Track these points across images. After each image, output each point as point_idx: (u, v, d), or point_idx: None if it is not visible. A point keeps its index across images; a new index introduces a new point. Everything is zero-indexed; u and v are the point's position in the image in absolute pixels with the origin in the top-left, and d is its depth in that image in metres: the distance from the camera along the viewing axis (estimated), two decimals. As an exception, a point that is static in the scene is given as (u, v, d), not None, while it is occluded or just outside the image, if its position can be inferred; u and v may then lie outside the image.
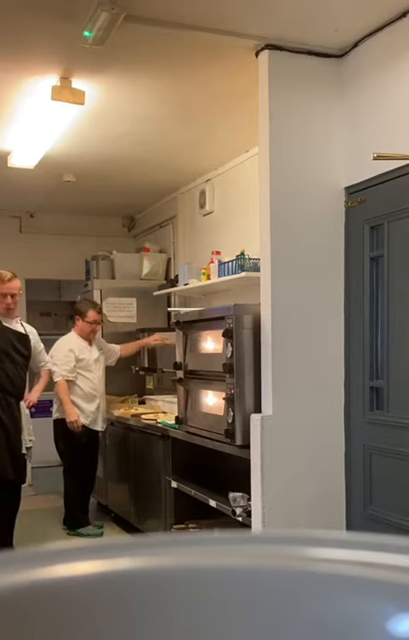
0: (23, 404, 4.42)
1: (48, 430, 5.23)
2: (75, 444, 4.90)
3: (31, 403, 4.55)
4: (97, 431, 5.05)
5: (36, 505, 5.75)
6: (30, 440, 4.51)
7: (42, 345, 4.68)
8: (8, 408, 4.25)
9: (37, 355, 4.60)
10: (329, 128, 3.23)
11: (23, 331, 4.45)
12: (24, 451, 4.37)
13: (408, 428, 2.86)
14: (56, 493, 5.12)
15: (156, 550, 0.49)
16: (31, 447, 4.53)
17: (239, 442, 3.27)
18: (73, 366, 4.90)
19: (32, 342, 4.49)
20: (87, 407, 4.94)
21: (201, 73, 3.51)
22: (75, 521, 4.98)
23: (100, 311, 5.12)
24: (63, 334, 5.27)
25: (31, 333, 4.55)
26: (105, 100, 3.83)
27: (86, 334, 5.02)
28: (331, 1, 2.80)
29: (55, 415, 4.98)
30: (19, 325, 4.48)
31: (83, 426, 4.91)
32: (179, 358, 3.99)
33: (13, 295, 4.32)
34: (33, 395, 4.64)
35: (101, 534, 4.93)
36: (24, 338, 4.41)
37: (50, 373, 4.79)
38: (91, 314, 5.00)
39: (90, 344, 5.07)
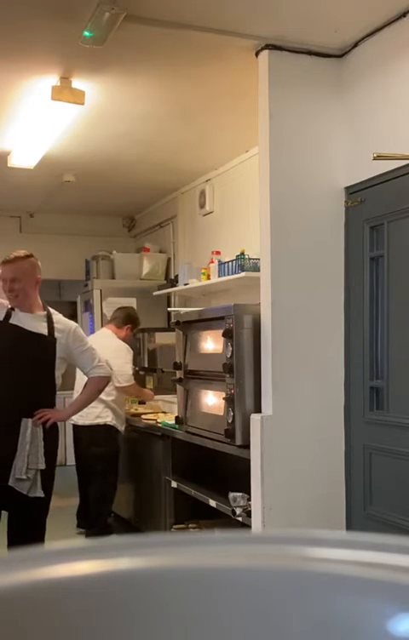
0: (28, 423, 3.39)
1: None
2: (116, 450, 4.77)
3: (49, 421, 3.43)
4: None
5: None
6: (30, 469, 3.44)
7: (85, 345, 3.60)
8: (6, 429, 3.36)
9: (75, 358, 3.58)
10: (329, 128, 3.23)
11: (42, 329, 3.45)
12: (10, 483, 3.40)
13: (408, 428, 2.86)
14: (56, 493, 5.10)
15: (156, 550, 0.49)
16: (24, 479, 3.42)
17: (239, 442, 3.27)
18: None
19: (60, 343, 3.48)
20: (122, 413, 4.86)
21: (201, 73, 3.51)
22: (105, 528, 4.75)
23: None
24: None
25: (62, 331, 3.50)
26: (105, 99, 3.83)
27: (126, 342, 5.04)
28: (331, 1, 2.80)
29: (96, 421, 4.71)
30: (39, 321, 3.46)
31: (121, 433, 4.83)
32: (179, 358, 3.99)
33: (12, 280, 3.39)
34: (63, 412, 3.66)
35: None
36: (36, 338, 3.43)
37: (102, 381, 3.72)
38: (136, 329, 5.14)
39: None
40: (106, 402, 4.74)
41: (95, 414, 4.74)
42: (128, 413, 5.12)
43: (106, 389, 4.57)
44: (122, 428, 4.83)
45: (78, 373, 4.81)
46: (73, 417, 4.32)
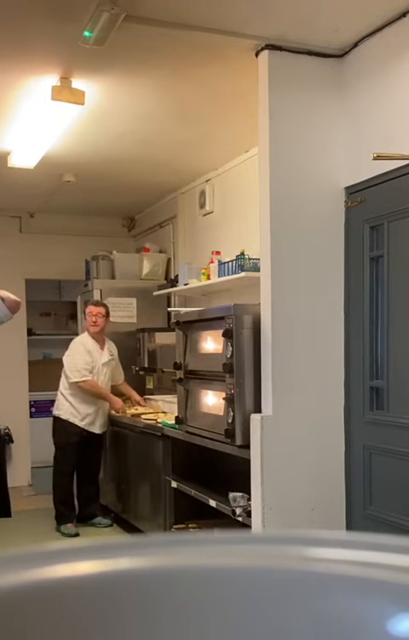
0: None
1: (48, 429, 5.25)
2: (66, 441, 5.06)
3: None
4: (94, 434, 5.14)
5: (35, 505, 5.75)
6: None
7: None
8: None
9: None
10: (329, 128, 3.23)
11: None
12: None
13: (408, 428, 2.86)
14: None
15: (156, 550, 0.49)
16: None
17: (239, 442, 3.27)
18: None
19: None
20: (84, 408, 5.07)
21: (201, 73, 3.51)
22: (57, 515, 5.11)
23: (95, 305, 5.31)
24: (64, 334, 5.38)
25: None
26: (105, 100, 3.83)
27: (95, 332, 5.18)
28: (331, 1, 2.80)
29: (54, 412, 5.17)
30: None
31: (78, 427, 5.05)
32: (179, 358, 3.99)
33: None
34: None
35: (75, 535, 4.94)
36: None
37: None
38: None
39: (101, 347, 5.19)
40: (64, 396, 5.11)
41: (56, 406, 5.18)
42: (110, 412, 5.22)
43: (64, 383, 5.15)
44: (82, 423, 5.05)
45: (63, 373, 5.01)
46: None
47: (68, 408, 5.05)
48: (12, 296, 3.65)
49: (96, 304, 5.27)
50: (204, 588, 0.45)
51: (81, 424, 5.05)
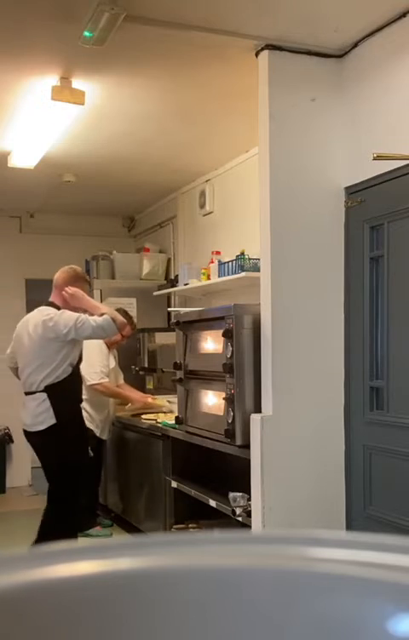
0: None
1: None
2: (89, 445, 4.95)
3: None
4: (103, 440, 5.07)
5: (36, 505, 5.75)
6: None
7: None
8: None
9: None
10: (329, 128, 3.23)
11: None
12: None
13: (408, 428, 2.86)
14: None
15: (156, 550, 0.49)
16: None
17: (239, 442, 3.27)
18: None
19: None
20: (97, 415, 4.96)
21: (201, 73, 3.51)
22: (84, 522, 4.93)
23: (134, 328, 5.17)
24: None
25: None
26: (105, 99, 3.83)
27: (111, 342, 5.08)
28: (331, 1, 2.80)
29: None
30: None
31: (93, 434, 4.92)
32: (179, 358, 3.99)
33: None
34: None
35: (110, 535, 4.91)
36: None
37: None
38: (127, 329, 5.08)
39: (109, 351, 5.16)
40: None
41: None
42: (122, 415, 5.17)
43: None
44: (97, 430, 4.90)
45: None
46: None
47: (83, 413, 4.99)
48: (120, 317, 4.06)
49: (135, 328, 5.24)
50: (204, 588, 0.45)
51: (96, 430, 4.95)
